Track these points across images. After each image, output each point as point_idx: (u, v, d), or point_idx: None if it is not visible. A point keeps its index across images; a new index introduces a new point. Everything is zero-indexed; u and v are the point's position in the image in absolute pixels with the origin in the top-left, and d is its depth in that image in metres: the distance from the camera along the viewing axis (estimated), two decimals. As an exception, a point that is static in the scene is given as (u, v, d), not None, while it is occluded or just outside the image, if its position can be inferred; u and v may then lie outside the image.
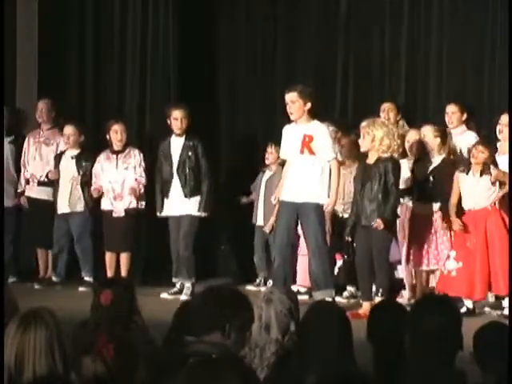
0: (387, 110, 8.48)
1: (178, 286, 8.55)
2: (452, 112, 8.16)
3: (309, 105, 7.49)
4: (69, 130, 8.78)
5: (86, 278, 8.90)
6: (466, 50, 8.90)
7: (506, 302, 7.52)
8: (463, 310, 7.45)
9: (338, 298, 7.91)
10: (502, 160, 7.59)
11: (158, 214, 8.59)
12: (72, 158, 8.84)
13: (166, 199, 8.60)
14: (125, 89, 9.78)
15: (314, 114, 7.65)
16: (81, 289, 8.63)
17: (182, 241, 8.50)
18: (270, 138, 8.83)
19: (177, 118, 8.37)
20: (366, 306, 7.37)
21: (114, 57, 9.78)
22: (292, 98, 7.47)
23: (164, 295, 8.39)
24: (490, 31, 8.75)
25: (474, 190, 7.57)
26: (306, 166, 7.63)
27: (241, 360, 3.66)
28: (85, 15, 9.85)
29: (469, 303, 7.60)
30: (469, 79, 8.95)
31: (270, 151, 8.74)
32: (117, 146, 8.62)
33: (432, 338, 3.33)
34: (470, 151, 7.60)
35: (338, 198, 7.81)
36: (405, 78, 9.18)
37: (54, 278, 9.10)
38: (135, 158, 8.72)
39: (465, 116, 8.21)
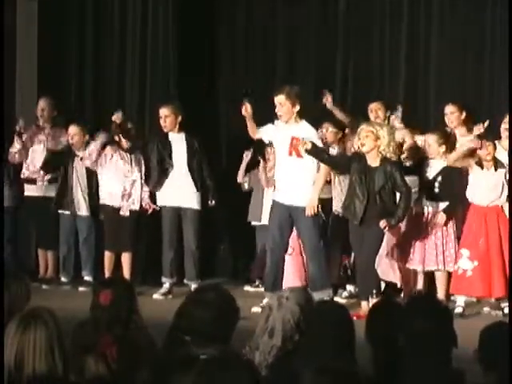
0: (375, 109, 8.38)
1: (167, 285, 8.50)
2: (451, 112, 8.06)
3: (297, 107, 7.47)
4: (73, 129, 8.80)
5: (87, 278, 8.93)
6: (466, 49, 8.84)
7: (503, 303, 7.55)
8: (459, 310, 7.48)
9: (336, 298, 7.81)
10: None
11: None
12: (81, 159, 8.86)
13: (163, 191, 8.53)
14: (125, 88, 9.80)
15: (301, 114, 7.58)
16: (81, 289, 8.67)
17: (194, 238, 8.52)
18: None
19: (161, 116, 8.46)
20: (365, 306, 7.31)
21: (113, 57, 9.78)
22: (280, 101, 7.45)
23: (156, 296, 8.35)
24: (490, 31, 8.70)
25: (489, 186, 7.54)
26: (295, 169, 7.58)
27: (249, 360, 3.63)
28: (85, 15, 9.85)
29: (461, 302, 7.56)
30: (469, 79, 8.88)
31: (270, 152, 8.56)
32: (125, 145, 8.68)
33: (424, 339, 3.36)
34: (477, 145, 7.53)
35: (317, 198, 7.61)
36: (404, 78, 9.10)
37: (63, 279, 9.11)
38: (139, 163, 8.78)
39: (463, 115, 8.08)
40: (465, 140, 7.92)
